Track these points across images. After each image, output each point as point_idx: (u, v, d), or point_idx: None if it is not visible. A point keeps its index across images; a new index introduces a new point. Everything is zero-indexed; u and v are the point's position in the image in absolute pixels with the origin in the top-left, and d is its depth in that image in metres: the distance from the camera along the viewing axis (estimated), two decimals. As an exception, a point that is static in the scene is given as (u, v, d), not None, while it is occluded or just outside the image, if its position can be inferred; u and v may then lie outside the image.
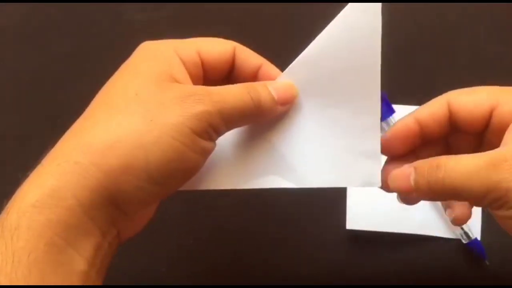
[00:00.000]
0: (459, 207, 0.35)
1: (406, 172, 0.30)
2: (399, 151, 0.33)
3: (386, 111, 0.46)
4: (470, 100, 0.31)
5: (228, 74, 0.33)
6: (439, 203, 0.42)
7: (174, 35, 0.56)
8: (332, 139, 0.32)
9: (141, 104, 0.27)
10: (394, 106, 0.47)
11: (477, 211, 0.42)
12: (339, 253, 0.44)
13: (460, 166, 0.27)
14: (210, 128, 0.28)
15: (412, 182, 0.29)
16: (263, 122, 0.32)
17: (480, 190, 0.27)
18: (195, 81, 0.31)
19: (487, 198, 0.27)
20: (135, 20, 0.56)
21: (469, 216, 0.35)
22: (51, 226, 0.25)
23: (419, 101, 0.48)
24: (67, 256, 0.25)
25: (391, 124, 0.46)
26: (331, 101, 0.32)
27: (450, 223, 0.43)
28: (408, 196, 0.31)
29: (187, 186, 0.30)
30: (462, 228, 0.42)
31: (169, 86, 0.28)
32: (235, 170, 0.32)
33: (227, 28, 0.58)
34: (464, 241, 0.43)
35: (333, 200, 0.44)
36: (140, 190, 0.27)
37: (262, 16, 0.56)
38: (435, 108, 0.32)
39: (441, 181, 0.28)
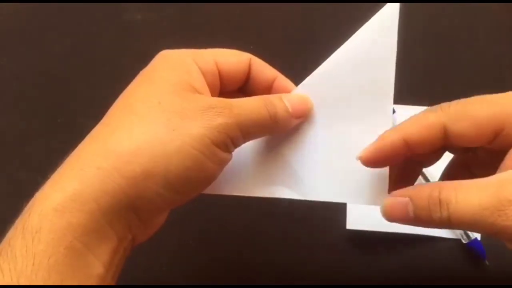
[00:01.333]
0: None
1: (402, 202, 0.28)
2: (382, 165, 0.31)
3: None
4: (472, 125, 0.28)
5: (243, 85, 0.33)
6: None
7: (174, 35, 0.56)
8: (342, 154, 0.32)
9: (164, 113, 0.28)
10: (394, 106, 0.47)
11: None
12: (339, 253, 0.43)
13: (464, 207, 0.26)
14: (229, 139, 0.29)
15: (411, 214, 0.28)
16: (278, 134, 0.33)
17: (486, 231, 0.26)
18: (212, 91, 0.31)
19: (498, 237, 0.26)
20: (135, 20, 0.56)
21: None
22: (71, 230, 0.25)
23: (419, 101, 0.49)
24: (85, 260, 0.26)
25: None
26: (343, 117, 0.32)
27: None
28: (409, 224, 0.29)
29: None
30: (462, 228, 0.42)
31: (190, 97, 0.29)
32: (246, 179, 0.33)
33: (227, 28, 0.58)
34: (464, 241, 0.43)
35: (333, 200, 0.44)
36: (159, 196, 0.27)
37: (262, 16, 0.56)
38: (427, 133, 0.29)
39: (447, 219, 0.26)
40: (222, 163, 0.30)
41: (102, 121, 0.30)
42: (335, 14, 0.31)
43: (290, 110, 0.31)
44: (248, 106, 0.30)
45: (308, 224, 0.44)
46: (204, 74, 0.31)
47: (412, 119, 0.30)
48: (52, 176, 0.28)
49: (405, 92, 0.49)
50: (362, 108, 0.32)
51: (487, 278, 0.42)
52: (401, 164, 0.33)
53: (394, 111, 0.46)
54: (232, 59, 0.32)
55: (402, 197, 0.28)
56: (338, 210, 0.44)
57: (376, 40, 0.31)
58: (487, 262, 0.42)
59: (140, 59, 0.56)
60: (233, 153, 0.30)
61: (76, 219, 0.25)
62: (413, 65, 0.52)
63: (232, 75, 0.32)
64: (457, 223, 0.26)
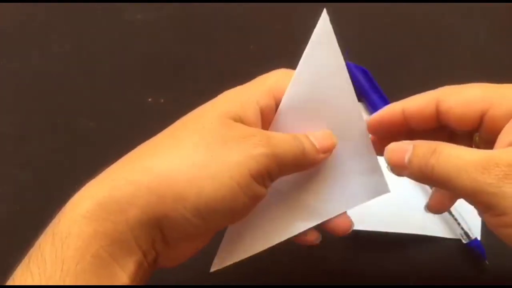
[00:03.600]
0: (438, 196, 0.35)
1: (404, 148, 0.29)
2: (384, 134, 0.33)
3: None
4: (460, 102, 0.30)
5: None
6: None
7: (174, 35, 0.56)
8: (334, 169, 0.33)
9: (205, 138, 0.28)
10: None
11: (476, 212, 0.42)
12: (339, 253, 0.44)
13: (453, 158, 0.27)
14: (266, 172, 0.29)
15: (406, 160, 0.29)
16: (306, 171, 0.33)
17: (467, 189, 0.26)
18: (266, 125, 0.32)
19: (473, 199, 0.27)
20: (135, 20, 0.56)
21: (445, 208, 0.35)
22: (97, 238, 0.26)
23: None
24: (111, 270, 0.26)
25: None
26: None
27: (450, 223, 0.43)
28: (400, 172, 0.30)
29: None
30: (462, 228, 0.42)
31: (232, 125, 0.29)
32: (264, 232, 0.34)
33: (227, 28, 0.58)
34: (464, 241, 0.43)
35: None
36: (185, 220, 0.27)
37: (262, 16, 0.56)
38: (422, 105, 0.32)
39: (431, 168, 0.28)
40: (256, 198, 0.29)
41: (146, 142, 0.30)
42: (335, 14, 0.31)
43: (317, 146, 0.31)
44: (282, 139, 0.30)
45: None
46: (263, 112, 0.31)
47: (415, 95, 0.33)
48: (85, 185, 0.28)
49: (405, 92, 0.49)
50: (334, 120, 0.33)
51: (487, 278, 0.42)
52: None
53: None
54: (282, 79, 0.32)
55: (406, 144, 0.29)
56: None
57: (322, 56, 0.31)
58: (487, 262, 0.42)
59: (140, 59, 0.56)
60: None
61: (102, 228, 0.26)
62: (413, 65, 0.52)
63: None
64: (439, 174, 0.27)
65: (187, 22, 0.56)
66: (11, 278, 0.26)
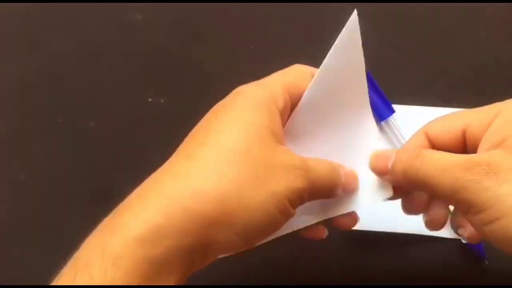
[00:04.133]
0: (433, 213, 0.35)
1: (387, 155, 0.32)
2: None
3: (386, 111, 0.46)
4: (443, 127, 0.33)
5: None
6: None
7: (174, 35, 0.56)
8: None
9: (252, 162, 0.29)
10: (394, 106, 0.47)
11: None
12: (339, 253, 0.44)
13: (436, 160, 0.29)
14: (300, 200, 0.30)
15: (389, 165, 0.31)
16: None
17: (450, 187, 0.28)
18: (284, 119, 0.32)
19: (455, 197, 0.28)
20: (135, 20, 0.56)
21: (442, 224, 0.36)
22: (147, 262, 0.26)
23: (419, 101, 0.49)
24: None
25: (390, 124, 0.46)
26: (336, 131, 0.34)
27: (449, 222, 0.43)
28: (382, 177, 0.33)
29: None
30: (462, 228, 0.42)
31: (277, 149, 0.30)
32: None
33: (227, 28, 0.58)
34: (464, 241, 0.43)
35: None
36: (232, 243, 0.29)
37: (262, 16, 0.56)
38: (416, 143, 0.33)
39: (416, 171, 0.29)
40: (289, 217, 0.31)
41: (185, 150, 0.30)
42: (335, 14, 0.31)
43: (344, 182, 0.33)
44: (321, 173, 0.31)
45: (308, 224, 0.44)
46: (280, 113, 0.31)
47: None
48: (129, 202, 0.28)
49: (405, 92, 0.50)
50: (348, 122, 0.33)
51: (487, 278, 0.42)
52: None
53: (394, 111, 0.46)
54: (301, 84, 0.32)
55: (390, 151, 0.32)
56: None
57: (344, 58, 0.31)
58: (487, 262, 0.42)
59: (140, 59, 0.56)
60: None
61: (153, 252, 0.26)
62: (413, 65, 0.52)
63: (299, 98, 0.32)
64: (424, 176, 0.29)
65: (187, 22, 0.56)
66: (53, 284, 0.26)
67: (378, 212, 0.42)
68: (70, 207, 0.47)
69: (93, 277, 0.25)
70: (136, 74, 0.53)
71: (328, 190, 0.32)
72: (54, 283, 0.27)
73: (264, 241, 0.32)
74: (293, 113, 0.32)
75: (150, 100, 0.52)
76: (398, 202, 0.35)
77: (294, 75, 0.32)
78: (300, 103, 0.32)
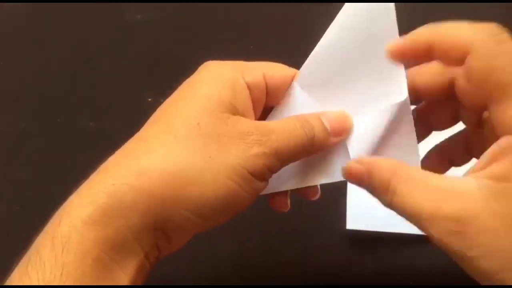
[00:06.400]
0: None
1: (360, 171, 0.28)
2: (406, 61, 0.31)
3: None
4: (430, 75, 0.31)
5: None
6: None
7: (174, 35, 0.56)
8: (366, 136, 0.31)
9: (202, 137, 0.27)
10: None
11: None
12: (339, 253, 0.44)
13: (406, 200, 0.26)
14: (266, 168, 0.28)
15: (366, 180, 0.28)
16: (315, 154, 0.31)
17: (423, 230, 0.26)
18: (257, 106, 0.31)
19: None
20: (135, 20, 0.56)
21: None
22: (99, 243, 0.25)
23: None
24: (112, 273, 0.26)
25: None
26: (356, 89, 0.31)
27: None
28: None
29: None
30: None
31: (229, 120, 0.28)
32: (286, 176, 0.32)
33: (227, 28, 0.58)
34: (464, 241, 0.43)
35: (333, 199, 0.44)
36: (188, 221, 0.27)
37: (262, 16, 0.56)
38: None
39: (389, 204, 0.27)
40: (257, 192, 0.29)
41: (138, 134, 0.29)
42: (335, 14, 0.31)
43: (329, 129, 0.30)
44: (285, 131, 0.29)
45: (308, 224, 0.44)
46: (250, 89, 0.30)
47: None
48: (81, 186, 0.28)
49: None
50: (373, 79, 0.30)
51: (487, 278, 0.42)
52: (427, 164, 0.33)
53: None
54: (279, 73, 0.31)
55: (361, 166, 0.28)
56: (338, 210, 0.44)
57: (375, 17, 0.30)
58: (487, 262, 0.42)
59: (140, 59, 0.56)
60: None
61: (104, 233, 0.26)
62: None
63: (278, 89, 0.32)
64: (398, 212, 0.27)
65: (187, 22, 0.56)
66: (8, 280, 0.26)
67: (378, 212, 0.42)
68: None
69: (44, 264, 0.25)
70: (136, 74, 0.53)
71: (301, 148, 0.29)
72: (10, 276, 0.26)
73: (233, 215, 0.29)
74: (311, 56, 0.30)
75: (150, 100, 0.52)
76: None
77: (274, 66, 0.32)
78: (319, 44, 0.30)
